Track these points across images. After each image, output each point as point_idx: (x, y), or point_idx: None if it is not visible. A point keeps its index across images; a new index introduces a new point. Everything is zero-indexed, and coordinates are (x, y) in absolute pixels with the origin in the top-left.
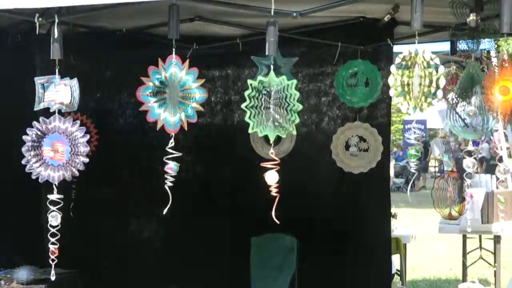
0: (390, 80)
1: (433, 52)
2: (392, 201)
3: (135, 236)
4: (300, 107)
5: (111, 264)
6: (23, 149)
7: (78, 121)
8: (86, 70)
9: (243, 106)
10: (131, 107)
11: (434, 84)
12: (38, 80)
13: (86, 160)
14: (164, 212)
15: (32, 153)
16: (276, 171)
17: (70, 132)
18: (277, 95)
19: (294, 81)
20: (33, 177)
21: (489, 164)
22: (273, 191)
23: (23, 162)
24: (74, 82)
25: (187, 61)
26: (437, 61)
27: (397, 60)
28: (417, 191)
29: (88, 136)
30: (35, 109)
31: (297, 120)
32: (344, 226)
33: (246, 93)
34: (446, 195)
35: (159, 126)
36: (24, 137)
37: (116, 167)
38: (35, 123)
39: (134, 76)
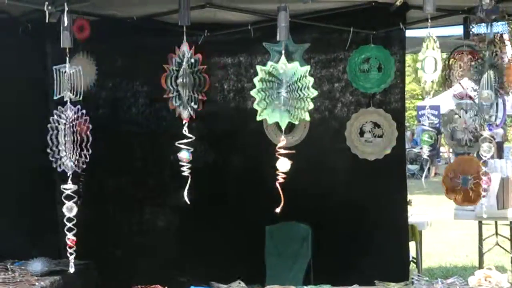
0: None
1: (446, 36)
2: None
3: (149, 225)
4: (315, 93)
5: (125, 254)
6: (48, 138)
7: (84, 111)
8: (97, 58)
9: (252, 92)
10: (143, 96)
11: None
12: (56, 68)
13: (89, 151)
14: (186, 198)
15: (53, 142)
16: (289, 158)
17: (76, 122)
18: (290, 81)
19: (307, 67)
20: (54, 166)
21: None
22: (280, 178)
23: (48, 150)
24: (77, 70)
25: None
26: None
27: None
28: (431, 178)
29: (90, 127)
30: (55, 97)
31: (311, 106)
32: (359, 214)
33: (256, 79)
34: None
35: (178, 113)
36: (49, 126)
37: (129, 156)
38: (56, 111)
39: (146, 65)
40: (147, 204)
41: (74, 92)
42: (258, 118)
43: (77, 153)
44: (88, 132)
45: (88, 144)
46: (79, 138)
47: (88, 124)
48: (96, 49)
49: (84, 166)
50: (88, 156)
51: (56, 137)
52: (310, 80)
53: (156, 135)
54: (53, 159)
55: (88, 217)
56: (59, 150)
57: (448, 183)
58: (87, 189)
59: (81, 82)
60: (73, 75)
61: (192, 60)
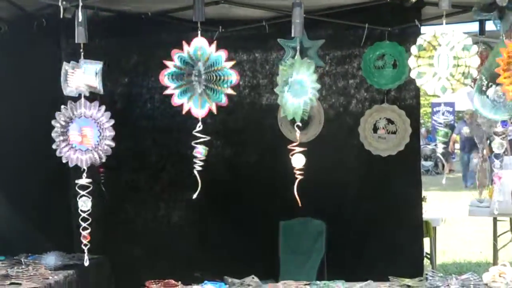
0: (411, 62)
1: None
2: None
3: (164, 221)
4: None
5: (140, 249)
6: (53, 134)
7: (104, 106)
8: (113, 54)
9: (277, 90)
10: (159, 92)
11: (467, 64)
12: (66, 65)
13: (112, 144)
14: (194, 197)
15: (61, 137)
16: (304, 154)
17: (97, 117)
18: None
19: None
20: (64, 161)
21: None
22: (297, 174)
23: (53, 146)
24: (99, 65)
25: (214, 43)
26: (468, 41)
27: (419, 41)
28: (446, 174)
29: (113, 121)
30: (65, 93)
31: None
32: (373, 209)
33: (280, 78)
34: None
35: (184, 110)
36: (53, 122)
37: (145, 152)
38: (63, 107)
39: (161, 60)
40: (163, 200)
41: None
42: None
43: (100, 146)
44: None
45: (111, 139)
46: (100, 133)
47: (109, 119)
48: (110, 44)
49: (104, 160)
50: (110, 150)
51: (64, 133)
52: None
53: (172, 130)
54: (61, 154)
55: (104, 211)
56: (66, 145)
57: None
58: (103, 183)
59: (99, 78)
60: (91, 70)
61: (214, 56)
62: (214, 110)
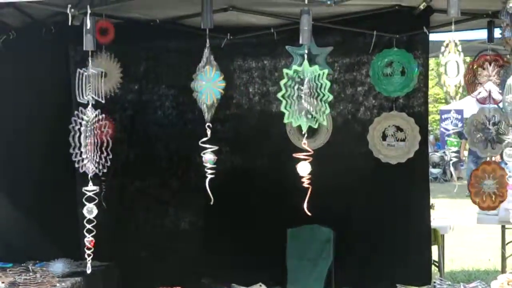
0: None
1: (470, 40)
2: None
3: (173, 227)
4: (331, 97)
5: (148, 256)
6: (70, 139)
7: (103, 115)
8: (121, 61)
9: (279, 95)
10: (169, 99)
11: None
12: (81, 71)
13: (109, 155)
14: (212, 202)
15: (76, 143)
16: (312, 162)
17: (99, 125)
18: (310, 84)
19: (326, 71)
20: (76, 166)
21: None
22: (305, 183)
23: (70, 150)
24: (99, 72)
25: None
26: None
27: (442, 49)
28: (455, 181)
29: (110, 131)
30: (79, 100)
31: (328, 111)
32: (382, 217)
33: (282, 82)
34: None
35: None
36: (70, 126)
37: (155, 158)
38: (77, 113)
39: (170, 67)
40: (172, 206)
41: (96, 95)
42: (286, 121)
43: (98, 156)
44: (107, 137)
45: (108, 148)
46: (99, 141)
47: (108, 128)
48: (119, 51)
49: (105, 170)
50: (108, 160)
51: (79, 139)
52: (328, 83)
53: (182, 137)
54: (75, 159)
55: (112, 218)
56: (81, 152)
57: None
58: (112, 190)
59: (101, 84)
60: (95, 77)
61: None
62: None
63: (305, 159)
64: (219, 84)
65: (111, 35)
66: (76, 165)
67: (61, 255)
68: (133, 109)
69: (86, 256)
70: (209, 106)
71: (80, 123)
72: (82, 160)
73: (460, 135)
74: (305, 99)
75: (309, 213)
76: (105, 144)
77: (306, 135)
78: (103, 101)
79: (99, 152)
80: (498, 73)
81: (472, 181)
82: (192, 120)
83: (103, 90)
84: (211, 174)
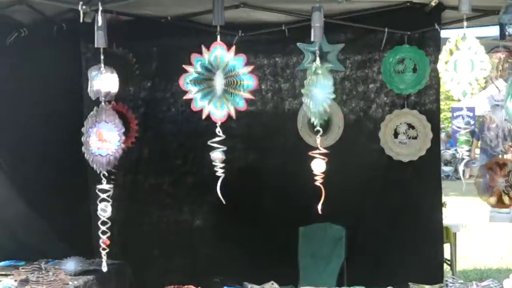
0: (440, 67)
1: (481, 37)
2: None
3: (186, 225)
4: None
5: (161, 254)
6: (83, 139)
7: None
8: (134, 58)
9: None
10: (182, 96)
11: (483, 69)
12: (91, 70)
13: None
14: (224, 202)
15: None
16: (323, 160)
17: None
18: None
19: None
20: (92, 165)
21: None
22: (318, 181)
23: (83, 149)
24: (111, 71)
25: (233, 47)
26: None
27: (448, 45)
28: (466, 180)
29: (122, 128)
30: (93, 98)
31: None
32: (393, 215)
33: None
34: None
35: (204, 114)
36: (83, 128)
37: (169, 155)
38: (94, 111)
39: (182, 64)
40: (185, 204)
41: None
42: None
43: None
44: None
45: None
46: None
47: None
48: (131, 49)
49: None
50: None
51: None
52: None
53: (196, 134)
54: (87, 157)
55: (125, 216)
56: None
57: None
58: (125, 188)
59: (115, 82)
60: (107, 76)
61: (232, 63)
62: (233, 114)
63: (320, 157)
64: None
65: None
66: (91, 164)
67: (74, 253)
68: (146, 106)
69: (101, 251)
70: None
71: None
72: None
73: (472, 133)
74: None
75: (320, 212)
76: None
77: (319, 133)
78: (113, 99)
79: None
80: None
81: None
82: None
83: (116, 87)
84: (221, 173)
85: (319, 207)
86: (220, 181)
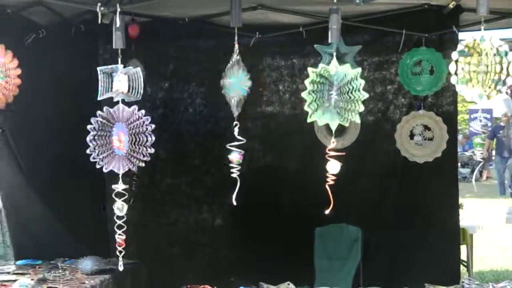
0: (452, 68)
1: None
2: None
3: (202, 225)
4: (366, 95)
5: (176, 254)
6: (88, 139)
7: (143, 110)
8: (151, 59)
9: (303, 94)
10: (200, 97)
11: (504, 71)
12: (101, 70)
13: (151, 150)
14: (234, 201)
15: (97, 142)
16: (340, 160)
17: (131, 121)
18: (341, 83)
19: (359, 69)
20: (98, 167)
21: None
22: (330, 181)
23: (88, 151)
24: (137, 71)
25: None
26: (506, 47)
27: (460, 47)
28: (483, 181)
29: (153, 126)
30: (99, 98)
31: (361, 109)
32: (409, 216)
33: (307, 81)
34: None
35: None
36: (89, 126)
37: (187, 156)
38: (99, 112)
39: (200, 65)
40: (202, 204)
41: (134, 92)
42: (309, 120)
43: (136, 152)
44: (147, 132)
45: (149, 143)
46: (137, 138)
47: (148, 124)
48: (149, 50)
49: (143, 164)
50: (148, 155)
51: (102, 138)
52: (361, 83)
53: (214, 135)
54: (96, 159)
55: (142, 215)
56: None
57: None
58: (143, 188)
59: (140, 82)
60: (132, 75)
61: None
62: None
63: (336, 158)
64: (246, 83)
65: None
66: (98, 166)
67: (90, 252)
68: (164, 107)
69: (117, 253)
70: (236, 102)
71: (107, 120)
72: (102, 160)
73: (490, 134)
74: (335, 98)
75: (327, 212)
76: (143, 141)
77: (334, 134)
78: (139, 98)
79: (137, 148)
80: None
81: None
82: (224, 118)
83: (140, 87)
84: (238, 171)
85: (327, 211)
86: (234, 181)
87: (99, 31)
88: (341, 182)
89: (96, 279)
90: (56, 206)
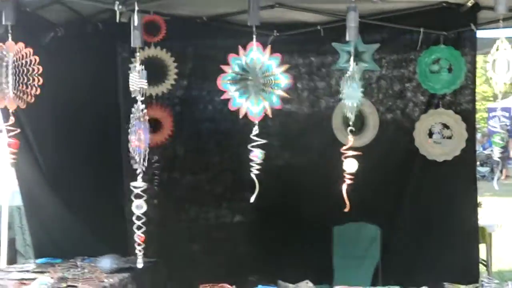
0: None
1: None
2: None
3: (221, 223)
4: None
5: (195, 252)
6: (129, 136)
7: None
8: (169, 57)
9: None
10: (219, 94)
11: None
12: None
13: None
14: (252, 200)
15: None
16: (358, 158)
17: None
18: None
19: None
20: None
21: None
22: (347, 179)
23: (130, 149)
24: (141, 68)
25: (269, 47)
26: None
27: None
28: (503, 180)
29: (147, 126)
30: (133, 95)
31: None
32: (428, 215)
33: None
34: None
35: (241, 114)
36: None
37: (206, 153)
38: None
39: (218, 64)
40: (221, 203)
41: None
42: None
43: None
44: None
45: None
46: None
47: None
48: (166, 48)
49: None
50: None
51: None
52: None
53: (233, 132)
54: (134, 158)
55: (161, 213)
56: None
57: None
58: (162, 186)
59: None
60: (141, 73)
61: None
62: (269, 113)
63: (353, 156)
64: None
65: (162, 33)
66: (134, 165)
67: (109, 251)
68: (183, 104)
69: (137, 251)
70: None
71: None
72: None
73: (510, 132)
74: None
75: (348, 206)
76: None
77: (350, 132)
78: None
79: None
80: None
81: None
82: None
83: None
84: (257, 170)
85: (346, 209)
86: (255, 178)
87: (117, 30)
88: (359, 180)
89: (115, 277)
90: (76, 205)
